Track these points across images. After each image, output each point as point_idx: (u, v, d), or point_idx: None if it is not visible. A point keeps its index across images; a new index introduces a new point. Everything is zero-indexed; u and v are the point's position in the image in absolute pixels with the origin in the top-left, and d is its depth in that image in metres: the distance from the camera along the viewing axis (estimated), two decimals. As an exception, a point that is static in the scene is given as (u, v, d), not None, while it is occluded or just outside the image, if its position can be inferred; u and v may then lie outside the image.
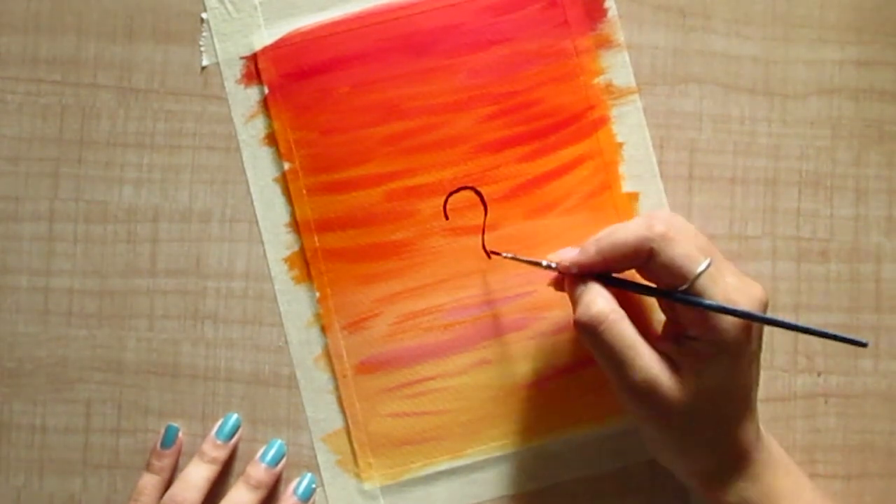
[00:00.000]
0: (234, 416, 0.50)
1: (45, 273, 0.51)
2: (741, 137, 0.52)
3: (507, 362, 0.51)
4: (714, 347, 0.43)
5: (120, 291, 0.51)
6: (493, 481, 0.51)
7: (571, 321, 0.49)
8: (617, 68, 0.51)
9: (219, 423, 0.50)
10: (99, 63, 0.51)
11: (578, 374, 0.51)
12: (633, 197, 0.51)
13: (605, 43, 0.51)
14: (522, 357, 0.51)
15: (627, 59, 0.51)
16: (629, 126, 0.51)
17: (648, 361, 0.43)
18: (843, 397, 0.52)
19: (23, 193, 0.51)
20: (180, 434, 0.50)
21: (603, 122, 0.51)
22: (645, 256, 0.44)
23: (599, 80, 0.51)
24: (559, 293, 0.49)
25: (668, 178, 0.52)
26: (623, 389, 0.44)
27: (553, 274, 0.48)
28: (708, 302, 0.43)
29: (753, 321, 0.43)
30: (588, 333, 0.44)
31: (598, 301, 0.44)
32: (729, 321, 0.43)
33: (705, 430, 0.44)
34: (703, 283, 0.43)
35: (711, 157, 0.52)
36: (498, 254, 0.50)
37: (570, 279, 0.46)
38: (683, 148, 0.52)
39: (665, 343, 0.45)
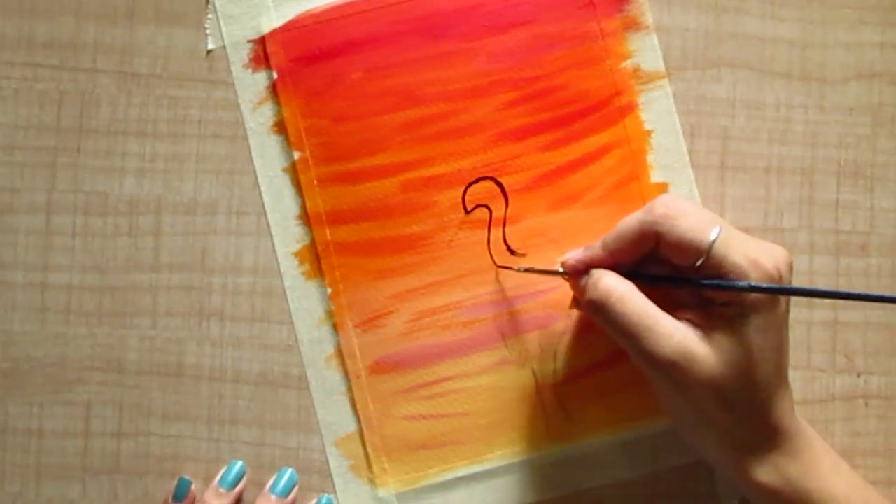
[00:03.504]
0: (239, 464, 0.50)
1: (43, 268, 0.50)
2: (776, 125, 0.51)
3: (529, 362, 0.50)
4: (745, 309, 0.42)
5: (121, 287, 0.50)
6: (515, 488, 0.50)
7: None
8: (645, 52, 0.50)
9: (222, 470, 0.49)
10: (99, 47, 0.51)
11: (604, 374, 0.50)
12: (663, 187, 0.50)
13: (633, 25, 0.50)
14: (545, 356, 0.50)
15: (656, 41, 0.51)
16: (658, 113, 0.50)
17: (672, 330, 0.43)
18: (884, 399, 0.51)
19: (19, 184, 0.51)
20: (192, 487, 0.49)
21: (630, 108, 0.50)
22: (652, 241, 0.44)
23: (627, 65, 0.50)
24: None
25: (699, 167, 0.51)
26: (649, 364, 0.43)
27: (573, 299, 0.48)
28: (738, 283, 0.42)
29: (782, 294, 0.43)
30: (600, 312, 0.44)
31: (605, 278, 0.44)
32: (757, 280, 0.42)
33: (740, 399, 0.43)
34: (720, 250, 0.42)
35: (745, 146, 0.51)
36: (510, 268, 0.49)
37: (577, 277, 0.46)
38: (715, 136, 0.51)
39: (690, 312, 0.44)
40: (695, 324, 0.43)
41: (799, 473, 0.43)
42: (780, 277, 0.43)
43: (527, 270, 0.48)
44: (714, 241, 0.42)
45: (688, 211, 0.43)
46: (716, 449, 0.45)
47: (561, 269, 0.47)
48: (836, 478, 0.44)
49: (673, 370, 0.42)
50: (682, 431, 0.46)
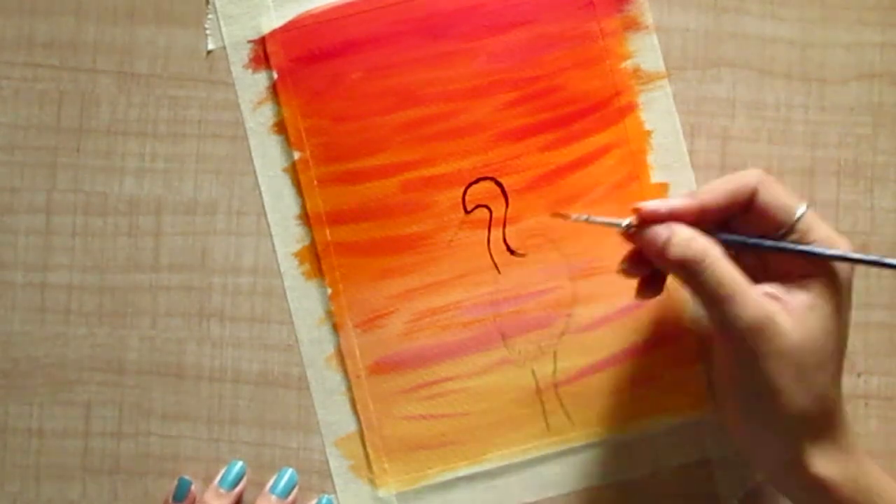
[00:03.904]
0: (239, 464, 0.49)
1: (43, 268, 0.50)
2: (776, 125, 0.51)
3: (529, 362, 0.50)
4: (828, 285, 0.43)
5: (121, 288, 0.50)
6: (515, 488, 0.50)
7: (596, 318, 0.50)
8: (645, 52, 0.50)
9: (222, 470, 0.49)
10: (99, 47, 0.50)
11: (604, 375, 0.50)
12: (663, 187, 0.50)
13: (633, 25, 0.50)
14: (545, 356, 0.50)
15: (656, 42, 0.50)
16: (658, 113, 0.50)
17: (758, 297, 0.42)
18: (884, 399, 0.51)
19: (19, 184, 0.50)
20: (192, 487, 0.49)
21: (630, 108, 0.50)
22: (745, 200, 0.43)
23: (627, 65, 0.50)
24: (584, 289, 0.49)
25: (699, 167, 0.50)
26: (733, 329, 0.42)
27: (627, 259, 0.46)
28: (827, 251, 0.43)
29: (881, 267, 0.43)
30: (689, 272, 0.42)
31: (698, 237, 0.43)
32: (847, 248, 0.43)
33: (816, 378, 0.42)
34: (809, 221, 0.43)
35: (745, 146, 0.51)
36: (565, 216, 0.48)
37: (652, 226, 0.43)
38: (715, 136, 0.51)
39: (769, 284, 0.43)
40: (775, 296, 0.43)
41: (856, 469, 0.43)
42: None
43: (585, 220, 0.46)
44: (806, 210, 0.43)
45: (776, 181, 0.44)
46: (775, 437, 0.43)
47: (623, 222, 0.44)
48: (887, 480, 0.43)
49: (758, 335, 0.41)
50: (737, 418, 0.44)
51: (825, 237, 0.43)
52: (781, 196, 0.43)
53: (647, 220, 0.43)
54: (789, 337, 0.41)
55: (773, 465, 0.44)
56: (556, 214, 0.49)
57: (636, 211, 0.44)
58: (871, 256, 0.42)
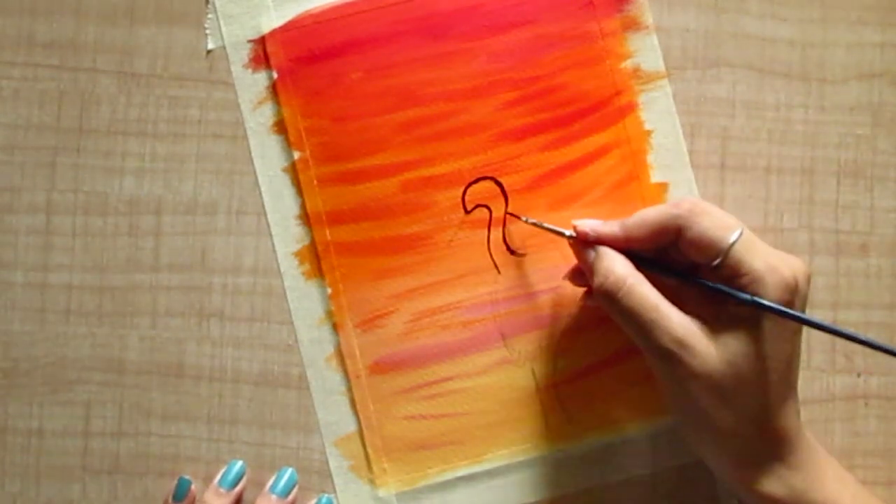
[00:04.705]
0: (239, 463, 0.49)
1: (43, 268, 0.50)
2: (776, 125, 0.51)
3: (529, 362, 0.50)
4: (758, 313, 0.42)
5: (121, 287, 0.50)
6: (515, 488, 0.50)
7: (596, 319, 0.50)
8: (645, 52, 0.50)
9: (222, 470, 0.49)
10: (99, 47, 0.50)
11: (604, 374, 0.50)
12: (662, 187, 0.50)
13: (633, 25, 0.50)
14: (546, 356, 0.50)
15: (656, 41, 0.50)
16: (658, 113, 0.50)
17: (675, 323, 0.43)
18: (884, 399, 0.50)
19: (19, 184, 0.50)
20: (192, 487, 0.49)
21: (630, 108, 0.50)
22: (671, 234, 0.43)
23: (626, 65, 0.50)
24: (583, 288, 0.48)
25: (698, 167, 0.50)
26: (652, 355, 0.43)
27: (571, 270, 0.48)
28: (740, 294, 0.42)
29: (787, 318, 0.42)
30: (608, 300, 0.44)
31: (616, 267, 0.44)
32: (773, 284, 0.42)
33: (743, 401, 0.42)
34: (739, 251, 0.42)
35: (745, 146, 0.51)
36: (517, 217, 0.49)
37: (584, 247, 0.45)
38: (715, 136, 0.50)
39: (702, 307, 0.44)
40: (704, 319, 0.43)
41: (804, 485, 0.43)
42: (797, 287, 0.42)
43: (534, 224, 0.48)
44: (734, 243, 0.42)
45: (712, 211, 0.43)
46: (719, 455, 0.44)
47: (568, 232, 0.46)
48: (842, 490, 0.43)
49: (669, 360, 0.42)
50: (685, 433, 0.46)
51: (755, 269, 0.42)
52: (710, 229, 0.42)
53: (580, 238, 0.45)
54: (703, 359, 0.42)
55: (722, 478, 0.46)
56: (511, 215, 0.49)
57: (575, 228, 0.45)
58: (776, 306, 0.41)
